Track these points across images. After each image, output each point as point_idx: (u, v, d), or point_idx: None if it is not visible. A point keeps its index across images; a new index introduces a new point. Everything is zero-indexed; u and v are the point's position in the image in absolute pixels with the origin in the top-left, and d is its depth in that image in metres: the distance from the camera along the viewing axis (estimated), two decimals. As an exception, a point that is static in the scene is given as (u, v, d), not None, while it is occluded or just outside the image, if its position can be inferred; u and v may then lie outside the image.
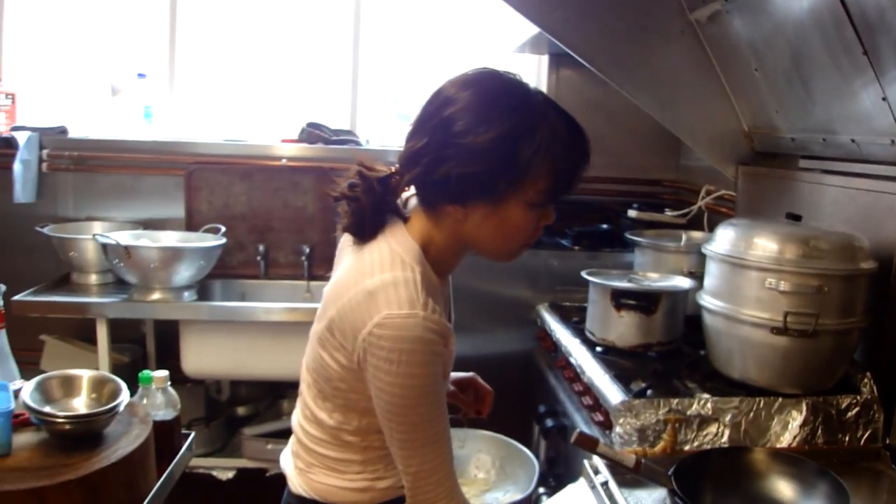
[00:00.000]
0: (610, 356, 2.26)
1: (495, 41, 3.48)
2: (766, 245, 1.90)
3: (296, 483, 1.50)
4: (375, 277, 1.30)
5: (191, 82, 3.82)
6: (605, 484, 1.64)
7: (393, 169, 1.39)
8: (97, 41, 3.77)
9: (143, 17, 3.76)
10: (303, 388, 1.51)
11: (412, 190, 1.42)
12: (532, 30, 2.78)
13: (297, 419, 1.55)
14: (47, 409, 1.60)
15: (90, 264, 3.19)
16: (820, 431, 1.87)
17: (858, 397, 1.91)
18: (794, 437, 1.86)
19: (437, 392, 1.29)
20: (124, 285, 3.13)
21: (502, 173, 1.26)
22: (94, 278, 3.23)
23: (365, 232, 1.39)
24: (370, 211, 1.38)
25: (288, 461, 1.56)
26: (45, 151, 3.45)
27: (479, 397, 1.81)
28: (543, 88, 3.50)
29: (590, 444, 1.44)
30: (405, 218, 1.41)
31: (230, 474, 3.18)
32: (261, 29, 3.87)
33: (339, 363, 1.35)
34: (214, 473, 3.18)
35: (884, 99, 1.89)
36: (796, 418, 1.87)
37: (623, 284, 2.30)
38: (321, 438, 1.46)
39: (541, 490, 2.04)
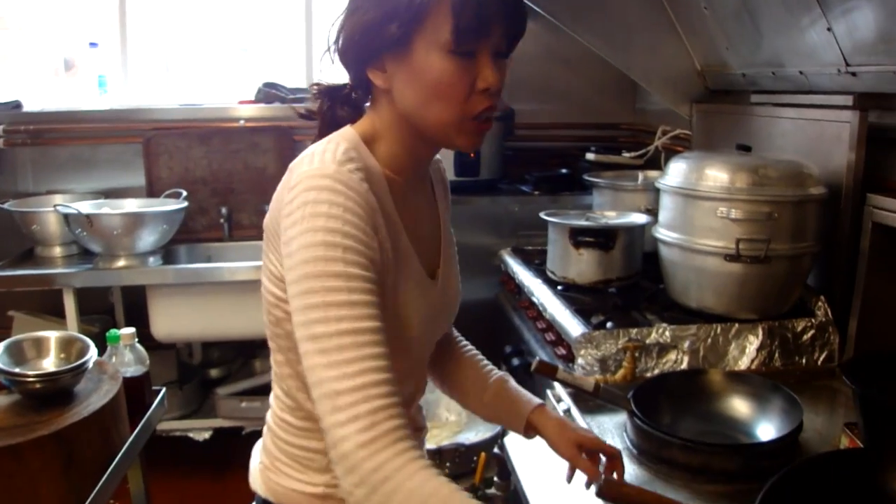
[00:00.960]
0: (571, 293, 2.30)
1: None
2: (716, 175, 1.94)
3: (255, 479, 1.32)
4: (299, 156, 1.17)
5: (144, 49, 3.79)
6: (567, 411, 1.68)
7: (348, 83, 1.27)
8: (47, 13, 3.72)
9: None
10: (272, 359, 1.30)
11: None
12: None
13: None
14: (17, 370, 1.61)
15: (53, 237, 3.18)
16: (777, 354, 1.93)
17: (813, 320, 1.97)
18: (752, 361, 1.91)
19: (346, 262, 1.02)
20: (89, 255, 3.14)
21: (394, 12, 1.11)
22: (58, 251, 3.22)
23: (324, 134, 1.25)
24: (326, 119, 1.27)
25: (255, 455, 1.37)
26: (0, 127, 3.42)
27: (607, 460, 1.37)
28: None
29: (549, 371, 1.47)
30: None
31: (206, 435, 3.21)
32: (212, -9, 3.84)
33: (274, 280, 1.17)
34: (191, 435, 3.21)
35: (829, 30, 1.92)
36: (753, 342, 1.92)
37: (581, 223, 2.34)
38: (285, 420, 1.25)
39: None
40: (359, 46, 1.16)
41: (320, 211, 1.03)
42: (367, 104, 1.25)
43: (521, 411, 1.40)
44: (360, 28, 1.14)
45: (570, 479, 1.36)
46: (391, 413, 0.97)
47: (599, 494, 1.06)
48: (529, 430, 1.40)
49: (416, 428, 1.33)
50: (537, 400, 1.42)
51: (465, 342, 1.52)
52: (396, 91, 1.15)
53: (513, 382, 1.45)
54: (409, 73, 1.13)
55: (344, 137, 1.16)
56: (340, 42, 1.18)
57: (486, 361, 1.49)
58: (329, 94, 1.27)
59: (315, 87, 1.29)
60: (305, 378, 1.03)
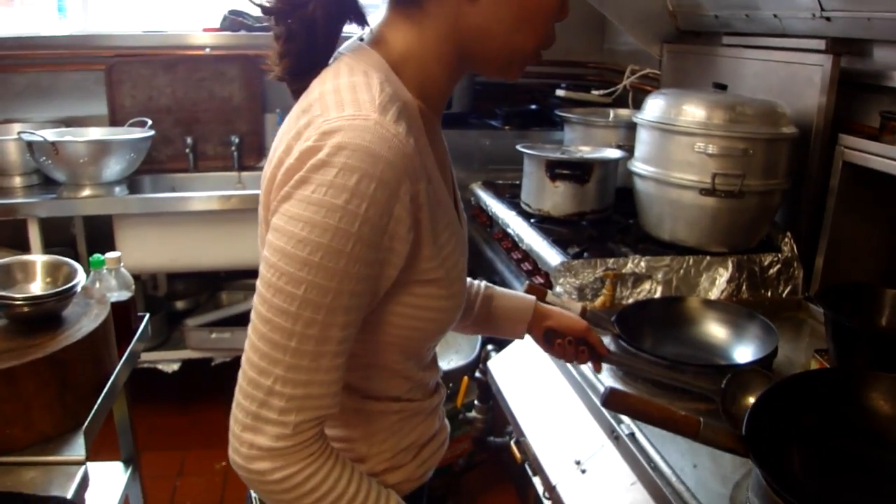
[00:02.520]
0: (546, 225, 2.34)
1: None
2: (694, 111, 1.99)
3: None
4: (313, 94, 0.91)
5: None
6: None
7: None
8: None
9: None
10: None
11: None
12: None
13: None
14: (3, 293, 1.60)
15: (13, 166, 3.08)
16: (744, 287, 2.02)
17: (780, 255, 2.06)
18: (722, 292, 1.99)
19: (351, 258, 0.82)
20: (51, 185, 3.07)
21: None
22: (18, 181, 3.12)
23: (317, 53, 0.96)
24: (324, 14, 0.92)
25: None
26: (-47, 52, 3.32)
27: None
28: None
29: (540, 293, 1.51)
30: (366, 21, 0.98)
31: (175, 366, 3.21)
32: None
33: None
34: (160, 367, 3.21)
35: (805, -27, 1.97)
36: (723, 275, 2.00)
37: (558, 156, 2.38)
38: None
39: (489, 347, 2.13)
40: None
41: (348, 184, 0.80)
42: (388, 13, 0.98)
43: (521, 317, 1.36)
44: None
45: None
46: (316, 424, 0.88)
47: (604, 404, 1.11)
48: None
49: (436, 386, 1.17)
50: (529, 298, 1.38)
51: None
52: (484, 3, 0.91)
53: (496, 288, 1.38)
54: None
55: (371, 65, 0.92)
56: None
57: None
58: None
59: None
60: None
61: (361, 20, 0.96)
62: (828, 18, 1.99)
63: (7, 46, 3.36)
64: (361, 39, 0.98)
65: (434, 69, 0.96)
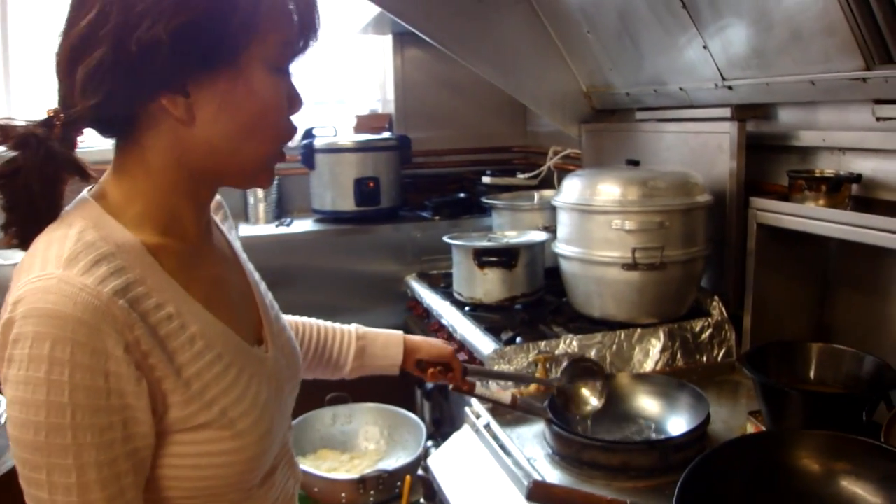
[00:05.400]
0: (479, 312, 2.35)
1: (338, 24, 3.49)
2: (609, 190, 2.03)
3: None
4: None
5: (26, 69, 3.63)
6: (487, 426, 1.72)
7: (50, 111, 0.88)
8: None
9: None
10: None
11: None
12: (373, 10, 2.82)
13: None
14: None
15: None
16: (679, 355, 2.03)
17: (710, 319, 2.08)
18: (656, 363, 2.00)
19: (76, 427, 0.76)
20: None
21: (234, 11, 0.83)
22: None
23: (40, 217, 0.87)
24: (39, 179, 0.85)
25: None
26: None
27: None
28: (389, 69, 3.58)
29: (468, 389, 1.51)
30: (87, 174, 0.91)
31: None
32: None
33: None
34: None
35: (704, 47, 2.04)
36: (655, 345, 2.01)
37: (483, 243, 2.40)
38: None
39: (429, 443, 2.11)
40: (167, 61, 0.81)
41: (42, 354, 0.75)
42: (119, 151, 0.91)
43: (394, 361, 1.48)
44: (179, 32, 0.80)
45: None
46: None
47: (529, 497, 1.10)
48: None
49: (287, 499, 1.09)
50: (397, 337, 1.50)
51: (306, 323, 1.45)
52: (202, 123, 0.87)
53: (366, 335, 1.49)
54: (230, 96, 0.86)
55: (80, 215, 0.85)
56: (119, 56, 0.81)
57: (329, 324, 1.48)
58: (37, 139, 0.85)
59: (5, 126, 0.86)
60: None
61: (83, 174, 0.90)
62: (730, 87, 2.07)
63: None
64: (84, 172, 0.91)
65: (172, 199, 0.91)
